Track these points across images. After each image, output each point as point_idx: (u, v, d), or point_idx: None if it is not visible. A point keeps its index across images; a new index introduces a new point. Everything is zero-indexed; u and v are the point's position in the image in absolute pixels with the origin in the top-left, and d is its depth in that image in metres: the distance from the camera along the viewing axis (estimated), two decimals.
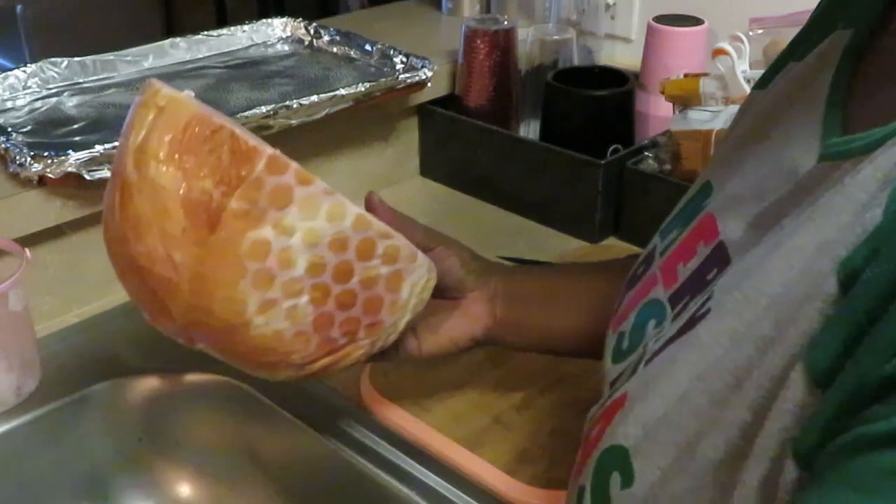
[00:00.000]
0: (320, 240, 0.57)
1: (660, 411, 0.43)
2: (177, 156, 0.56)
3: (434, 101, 1.21)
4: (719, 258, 0.48)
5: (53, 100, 1.04)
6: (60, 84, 1.07)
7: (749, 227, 0.47)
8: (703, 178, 0.57)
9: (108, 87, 1.08)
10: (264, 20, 1.26)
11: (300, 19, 1.27)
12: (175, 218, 0.56)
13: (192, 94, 0.59)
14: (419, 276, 0.62)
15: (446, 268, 0.68)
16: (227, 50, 1.21)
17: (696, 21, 1.16)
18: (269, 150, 0.58)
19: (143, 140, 0.56)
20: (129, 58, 1.13)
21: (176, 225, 0.56)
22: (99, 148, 0.86)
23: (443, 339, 0.70)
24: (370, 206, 0.68)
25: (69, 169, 0.84)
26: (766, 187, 0.47)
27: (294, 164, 0.57)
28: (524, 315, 0.71)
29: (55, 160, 0.84)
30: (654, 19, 1.17)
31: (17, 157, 0.85)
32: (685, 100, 1.01)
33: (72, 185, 0.86)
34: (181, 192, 0.56)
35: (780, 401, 0.36)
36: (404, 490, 0.72)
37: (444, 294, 0.69)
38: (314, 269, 0.57)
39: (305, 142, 1.09)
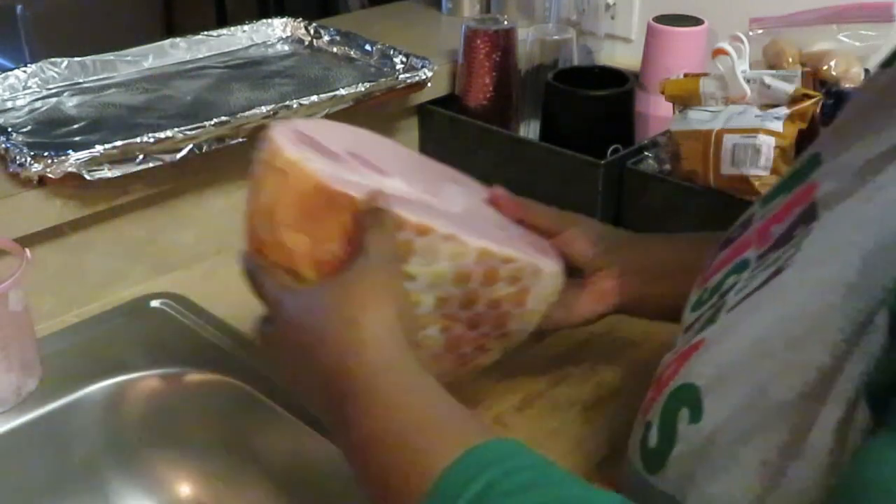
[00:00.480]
0: (444, 279, 0.60)
1: (735, 354, 0.45)
2: (304, 223, 0.60)
3: (434, 101, 1.21)
4: (809, 216, 0.49)
5: (53, 100, 1.03)
6: (60, 84, 1.07)
7: (842, 184, 0.48)
8: (811, 150, 0.58)
9: (108, 87, 1.08)
10: (264, 20, 1.26)
11: (300, 19, 1.27)
12: (307, 275, 0.60)
13: (311, 157, 0.62)
14: (544, 287, 0.65)
15: (576, 250, 0.71)
16: (227, 50, 1.21)
17: (696, 21, 1.16)
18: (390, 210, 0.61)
19: (270, 203, 0.62)
20: (129, 58, 1.13)
21: (308, 281, 0.60)
22: (99, 148, 0.86)
23: (574, 317, 0.73)
24: (494, 201, 0.72)
25: (69, 169, 0.84)
26: (868, 154, 0.48)
27: (413, 219, 0.59)
28: (654, 288, 0.72)
29: (55, 160, 0.84)
30: (654, 19, 1.17)
31: (17, 157, 0.85)
32: (685, 100, 1.01)
33: (72, 185, 0.86)
34: (310, 253, 0.59)
35: (862, 344, 0.38)
36: None
37: (574, 274, 0.71)
38: (441, 302, 0.60)
39: None
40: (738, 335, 0.46)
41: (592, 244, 0.72)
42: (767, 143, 0.90)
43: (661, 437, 0.48)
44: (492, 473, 0.42)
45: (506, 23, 1.18)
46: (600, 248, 0.72)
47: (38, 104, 1.02)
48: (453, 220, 0.63)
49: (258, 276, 0.60)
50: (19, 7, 2.26)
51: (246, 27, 1.24)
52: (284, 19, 1.27)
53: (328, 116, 1.02)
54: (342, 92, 1.03)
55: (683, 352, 0.50)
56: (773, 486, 0.41)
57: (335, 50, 1.22)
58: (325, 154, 0.65)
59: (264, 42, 1.25)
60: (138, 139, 0.88)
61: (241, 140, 0.96)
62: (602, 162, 1.03)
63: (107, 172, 0.87)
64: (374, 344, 0.50)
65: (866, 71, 1.10)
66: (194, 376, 0.85)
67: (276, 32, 1.26)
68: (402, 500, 0.44)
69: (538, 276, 0.64)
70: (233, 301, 0.96)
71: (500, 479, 0.42)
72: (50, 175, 0.84)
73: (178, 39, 1.18)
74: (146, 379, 0.85)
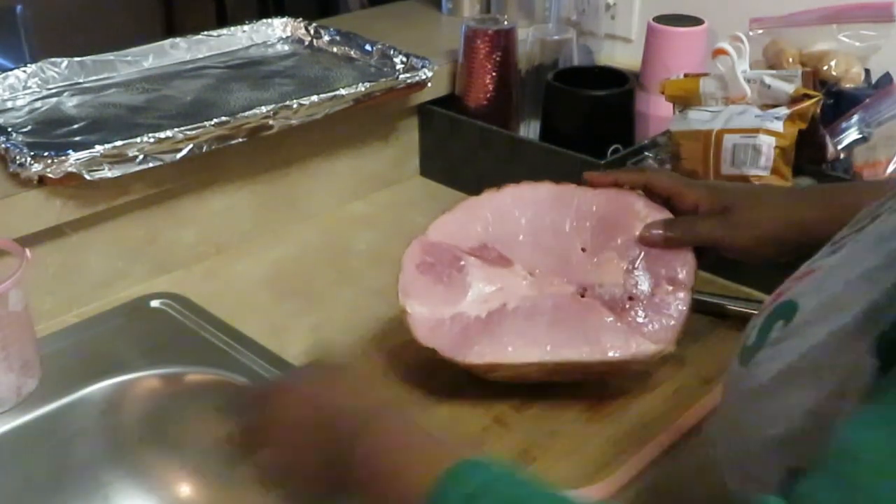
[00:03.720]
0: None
1: (840, 283, 0.49)
2: None
3: (434, 101, 1.21)
4: None
5: (53, 100, 1.03)
6: (60, 84, 1.07)
7: None
8: None
9: (108, 87, 1.08)
10: (264, 20, 1.26)
11: (300, 19, 1.27)
12: None
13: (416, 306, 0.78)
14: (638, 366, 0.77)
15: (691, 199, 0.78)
16: (227, 50, 1.21)
17: (696, 21, 1.16)
18: None
19: None
20: (129, 58, 1.13)
21: None
22: (99, 148, 0.86)
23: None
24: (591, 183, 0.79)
25: (69, 169, 0.84)
26: None
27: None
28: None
29: (55, 160, 0.84)
30: (654, 19, 1.17)
31: (17, 157, 0.85)
32: (685, 100, 1.01)
33: (72, 185, 0.86)
34: None
35: None
36: None
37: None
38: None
39: (305, 142, 1.09)
40: (844, 272, 0.50)
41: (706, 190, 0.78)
42: (767, 143, 0.90)
43: (757, 337, 0.54)
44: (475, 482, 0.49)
45: (506, 23, 1.18)
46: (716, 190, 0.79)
47: (38, 104, 1.02)
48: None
49: (238, 390, 0.69)
50: (19, 7, 2.26)
51: (246, 27, 1.24)
52: (284, 19, 1.27)
53: (328, 116, 1.02)
54: (342, 92, 1.03)
55: (800, 274, 0.56)
56: (836, 413, 0.44)
57: (335, 50, 1.22)
58: (450, 262, 0.79)
59: (264, 42, 1.25)
60: (138, 139, 0.88)
61: (241, 140, 0.96)
62: (602, 162, 1.03)
63: (107, 172, 0.87)
64: (367, 397, 0.60)
65: (866, 71, 1.10)
66: (194, 376, 0.85)
67: (276, 32, 1.26)
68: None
69: (626, 367, 0.76)
70: (233, 301, 0.96)
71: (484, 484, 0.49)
72: (50, 175, 0.84)
73: (178, 39, 1.17)
74: (146, 379, 0.85)
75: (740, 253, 0.77)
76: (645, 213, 0.80)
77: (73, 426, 0.83)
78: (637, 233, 0.79)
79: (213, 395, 0.85)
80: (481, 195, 0.83)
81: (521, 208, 0.82)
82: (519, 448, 0.75)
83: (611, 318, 0.76)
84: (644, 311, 0.76)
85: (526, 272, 0.79)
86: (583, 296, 0.79)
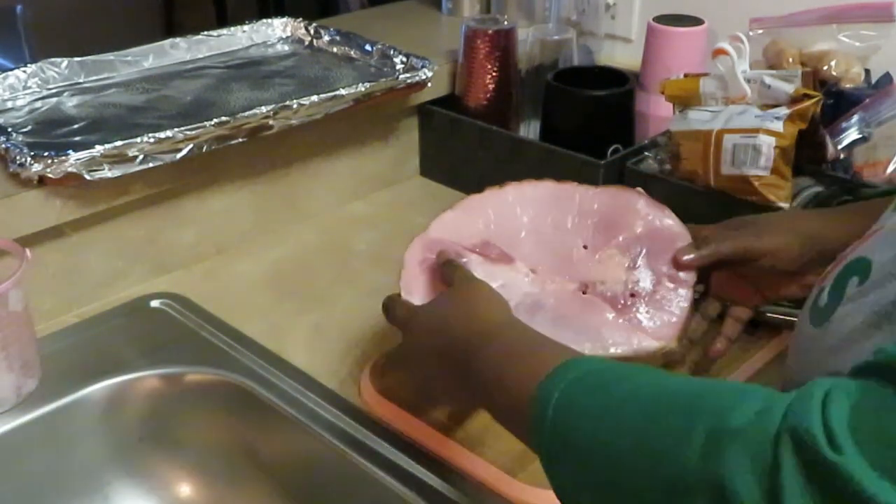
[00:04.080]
0: None
1: None
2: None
3: (434, 101, 1.21)
4: None
5: (53, 100, 1.03)
6: (60, 84, 1.07)
7: None
8: None
9: (108, 87, 1.08)
10: (264, 20, 1.26)
11: (300, 19, 1.27)
12: None
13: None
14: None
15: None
16: (227, 50, 1.21)
17: (696, 21, 1.16)
18: None
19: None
20: (129, 58, 1.13)
21: None
22: (99, 148, 0.86)
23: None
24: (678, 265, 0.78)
25: (69, 169, 0.84)
26: None
27: None
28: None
29: (55, 160, 0.84)
30: (654, 19, 1.17)
31: (17, 157, 0.85)
32: (685, 100, 1.01)
33: (72, 185, 0.86)
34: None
35: None
36: (404, 490, 0.72)
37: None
38: None
39: (305, 142, 1.09)
40: None
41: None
42: (768, 143, 0.90)
43: (830, 297, 0.55)
44: (585, 367, 0.53)
45: (506, 23, 1.18)
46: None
47: (38, 104, 1.02)
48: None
49: (393, 304, 0.74)
50: (19, 7, 2.26)
51: (246, 27, 1.24)
52: (284, 19, 1.27)
53: (328, 116, 1.02)
54: (342, 92, 1.03)
55: (867, 235, 0.58)
56: None
57: (335, 50, 1.22)
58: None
59: (264, 42, 1.25)
60: (138, 139, 0.88)
61: (241, 140, 0.96)
62: (602, 162, 1.03)
63: (107, 172, 0.87)
64: (485, 314, 0.65)
65: (866, 71, 1.10)
66: (194, 376, 0.85)
67: (276, 32, 1.26)
68: (521, 399, 0.54)
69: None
70: (233, 301, 0.96)
71: (593, 369, 0.53)
72: (50, 175, 0.84)
73: (178, 39, 1.18)
74: (146, 379, 0.85)
75: (770, 256, 0.77)
76: (646, 212, 0.80)
77: (73, 426, 0.83)
78: (638, 230, 0.79)
79: (213, 395, 0.85)
80: (483, 192, 0.83)
81: (523, 206, 0.82)
82: (519, 448, 0.75)
83: (612, 315, 0.76)
84: (646, 307, 0.76)
85: (528, 269, 0.79)
86: (584, 293, 0.79)
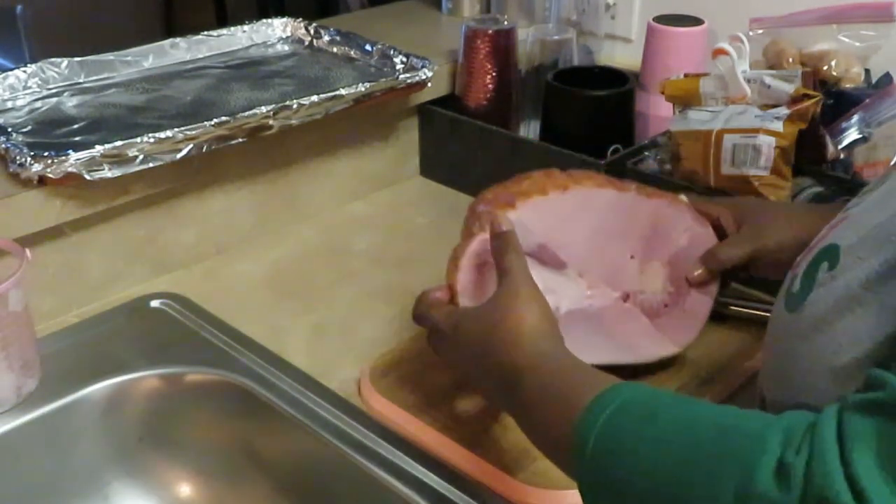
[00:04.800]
0: None
1: (875, 221, 0.54)
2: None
3: (434, 101, 1.21)
4: None
5: (53, 100, 1.03)
6: (60, 84, 1.07)
7: None
8: None
9: (108, 87, 1.08)
10: (264, 20, 1.27)
11: (300, 19, 1.27)
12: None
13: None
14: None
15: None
16: (227, 50, 1.21)
17: (696, 21, 1.16)
18: None
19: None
20: (129, 58, 1.13)
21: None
22: (99, 148, 0.86)
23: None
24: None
25: (69, 169, 0.84)
26: None
27: None
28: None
29: (55, 160, 0.84)
30: (654, 19, 1.17)
31: (17, 157, 0.85)
32: (685, 100, 1.01)
33: (72, 185, 0.86)
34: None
35: None
36: (404, 490, 0.72)
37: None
38: None
39: (305, 142, 1.09)
40: (883, 207, 0.54)
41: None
42: (767, 143, 0.90)
43: (802, 284, 0.57)
44: (622, 398, 0.53)
45: (506, 23, 1.18)
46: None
47: (38, 104, 1.02)
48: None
49: (430, 304, 0.73)
50: (19, 7, 2.26)
51: (246, 27, 1.24)
52: (284, 19, 1.27)
53: (328, 116, 1.02)
54: (342, 92, 1.03)
55: (834, 223, 0.60)
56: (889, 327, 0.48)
57: (335, 50, 1.22)
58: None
59: (264, 42, 1.25)
60: (138, 139, 0.88)
61: (241, 140, 0.96)
62: (602, 162, 1.03)
63: (107, 172, 0.87)
64: (531, 343, 0.63)
65: (866, 71, 1.10)
66: (194, 376, 0.85)
67: (276, 32, 1.26)
68: (561, 429, 0.55)
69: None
70: (233, 301, 0.96)
71: (628, 400, 0.53)
72: (50, 175, 0.84)
73: (178, 39, 1.18)
74: (146, 379, 0.85)
75: (781, 251, 0.78)
76: (690, 225, 0.81)
77: (73, 426, 0.83)
78: (681, 243, 0.81)
79: (213, 395, 0.85)
80: (548, 195, 0.79)
81: (583, 212, 0.81)
82: (519, 448, 0.75)
83: (646, 323, 0.80)
84: (676, 315, 0.80)
85: (576, 274, 0.80)
86: (625, 300, 0.81)
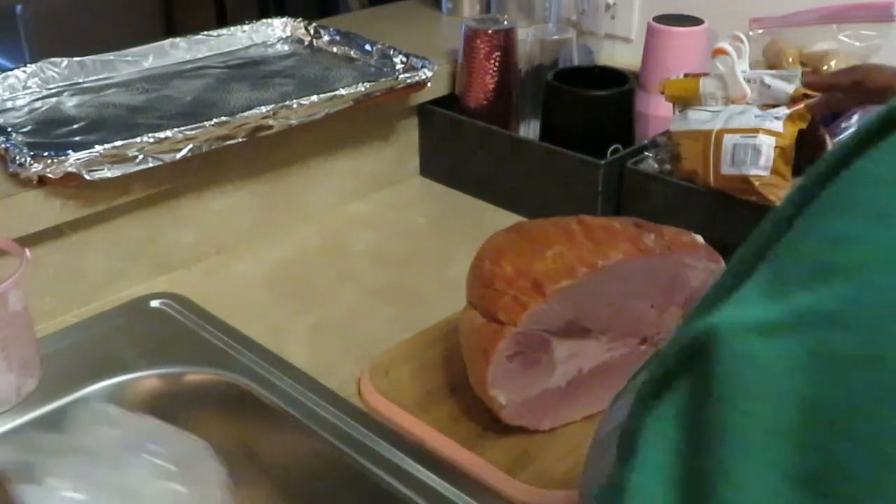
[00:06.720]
0: None
1: None
2: None
3: (434, 101, 1.21)
4: None
5: (53, 100, 1.04)
6: (60, 84, 1.07)
7: None
8: None
9: (108, 87, 1.08)
10: (264, 20, 1.27)
11: (300, 19, 1.27)
12: None
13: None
14: None
15: None
16: (227, 50, 1.21)
17: (696, 21, 1.16)
18: None
19: None
20: (129, 58, 1.13)
21: None
22: (99, 148, 0.86)
23: None
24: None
25: (69, 169, 0.84)
26: None
27: None
28: None
29: (55, 160, 0.84)
30: (654, 19, 1.17)
31: (17, 157, 0.85)
32: (685, 100, 1.01)
33: (72, 185, 0.86)
34: None
35: None
36: (404, 490, 0.72)
37: None
38: None
39: (305, 142, 1.09)
40: None
41: None
42: (767, 143, 0.90)
43: None
44: None
45: (506, 23, 1.18)
46: None
47: (38, 104, 1.02)
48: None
49: None
50: (19, 7, 2.26)
51: (246, 27, 1.24)
52: (284, 19, 1.27)
53: (328, 116, 1.02)
54: (342, 92, 1.03)
55: None
56: None
57: (335, 50, 1.22)
58: (539, 345, 0.76)
59: (264, 42, 1.25)
60: (138, 139, 0.88)
61: (241, 140, 0.96)
62: (602, 162, 1.03)
63: (107, 172, 0.87)
64: None
65: None
66: (194, 376, 0.85)
67: (276, 32, 1.26)
68: None
69: None
70: (233, 301, 0.96)
71: None
72: (50, 175, 0.84)
73: (178, 39, 1.18)
74: (146, 379, 0.85)
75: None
76: (704, 265, 0.81)
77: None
78: (695, 283, 0.80)
79: (213, 395, 0.85)
80: (578, 277, 0.75)
81: (610, 285, 0.79)
82: (519, 448, 0.75)
83: None
84: None
85: (599, 333, 0.80)
86: (643, 344, 0.81)
